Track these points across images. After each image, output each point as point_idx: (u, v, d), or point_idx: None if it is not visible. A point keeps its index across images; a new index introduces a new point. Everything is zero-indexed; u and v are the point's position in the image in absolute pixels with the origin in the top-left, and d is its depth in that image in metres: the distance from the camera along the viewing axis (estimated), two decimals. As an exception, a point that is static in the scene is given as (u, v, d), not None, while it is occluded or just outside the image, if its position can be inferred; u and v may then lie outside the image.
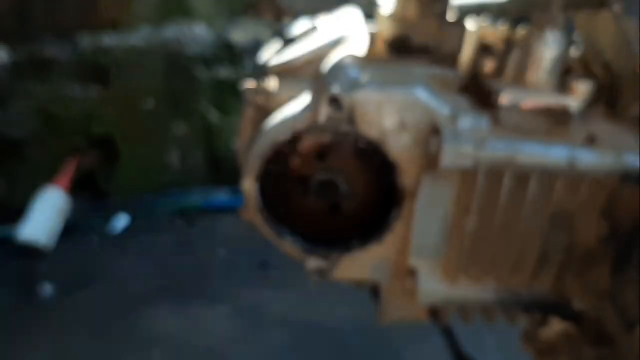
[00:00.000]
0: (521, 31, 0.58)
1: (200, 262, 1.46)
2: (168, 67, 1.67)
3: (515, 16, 0.63)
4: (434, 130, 0.51)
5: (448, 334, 1.18)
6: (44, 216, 1.49)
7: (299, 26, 0.58)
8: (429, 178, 0.52)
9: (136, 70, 1.65)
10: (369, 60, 0.55)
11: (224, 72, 1.71)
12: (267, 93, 0.54)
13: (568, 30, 0.52)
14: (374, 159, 0.54)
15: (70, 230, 1.58)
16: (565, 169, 0.49)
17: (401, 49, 0.56)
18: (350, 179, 0.55)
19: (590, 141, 0.51)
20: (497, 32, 0.61)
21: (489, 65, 0.55)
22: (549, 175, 0.50)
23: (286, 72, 0.54)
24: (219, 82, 1.72)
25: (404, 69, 0.54)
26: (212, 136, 1.78)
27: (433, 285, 0.56)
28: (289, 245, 0.58)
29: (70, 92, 1.63)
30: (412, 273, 0.56)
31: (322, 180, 0.54)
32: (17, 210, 1.65)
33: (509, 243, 0.54)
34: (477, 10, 0.64)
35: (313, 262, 0.58)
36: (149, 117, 1.71)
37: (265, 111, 0.55)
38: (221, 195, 1.77)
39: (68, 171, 1.62)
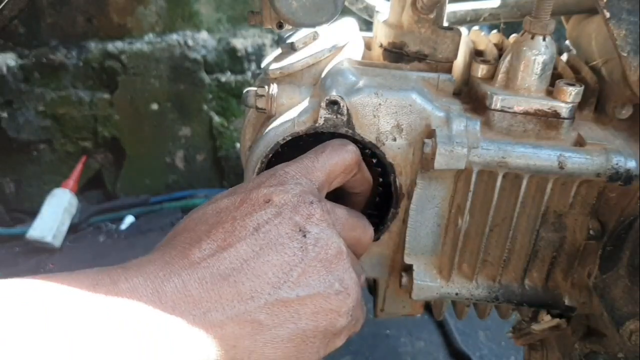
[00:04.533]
0: (513, 37, 0.60)
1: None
2: (173, 71, 1.69)
3: (507, 22, 0.64)
4: (429, 133, 0.52)
5: (442, 329, 1.18)
6: (53, 216, 1.52)
7: (299, 33, 0.59)
8: (424, 179, 0.54)
9: (142, 74, 1.68)
10: (367, 65, 0.57)
11: (227, 76, 1.73)
12: (268, 97, 0.55)
13: (558, 36, 0.53)
14: (371, 161, 0.55)
15: (78, 229, 1.61)
16: (555, 170, 0.51)
17: (397, 54, 0.57)
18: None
19: (580, 143, 0.52)
20: (489, 37, 0.63)
21: (482, 70, 0.56)
22: (540, 176, 0.52)
23: (286, 77, 0.55)
24: (222, 87, 1.75)
25: (400, 74, 0.55)
26: (216, 138, 1.81)
27: (428, 282, 0.57)
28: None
29: (78, 96, 1.66)
30: (407, 270, 0.58)
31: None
32: (27, 210, 1.68)
33: (501, 241, 0.56)
34: (470, 16, 0.65)
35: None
36: (154, 120, 1.74)
37: (266, 115, 0.57)
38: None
39: (76, 172, 1.65)
